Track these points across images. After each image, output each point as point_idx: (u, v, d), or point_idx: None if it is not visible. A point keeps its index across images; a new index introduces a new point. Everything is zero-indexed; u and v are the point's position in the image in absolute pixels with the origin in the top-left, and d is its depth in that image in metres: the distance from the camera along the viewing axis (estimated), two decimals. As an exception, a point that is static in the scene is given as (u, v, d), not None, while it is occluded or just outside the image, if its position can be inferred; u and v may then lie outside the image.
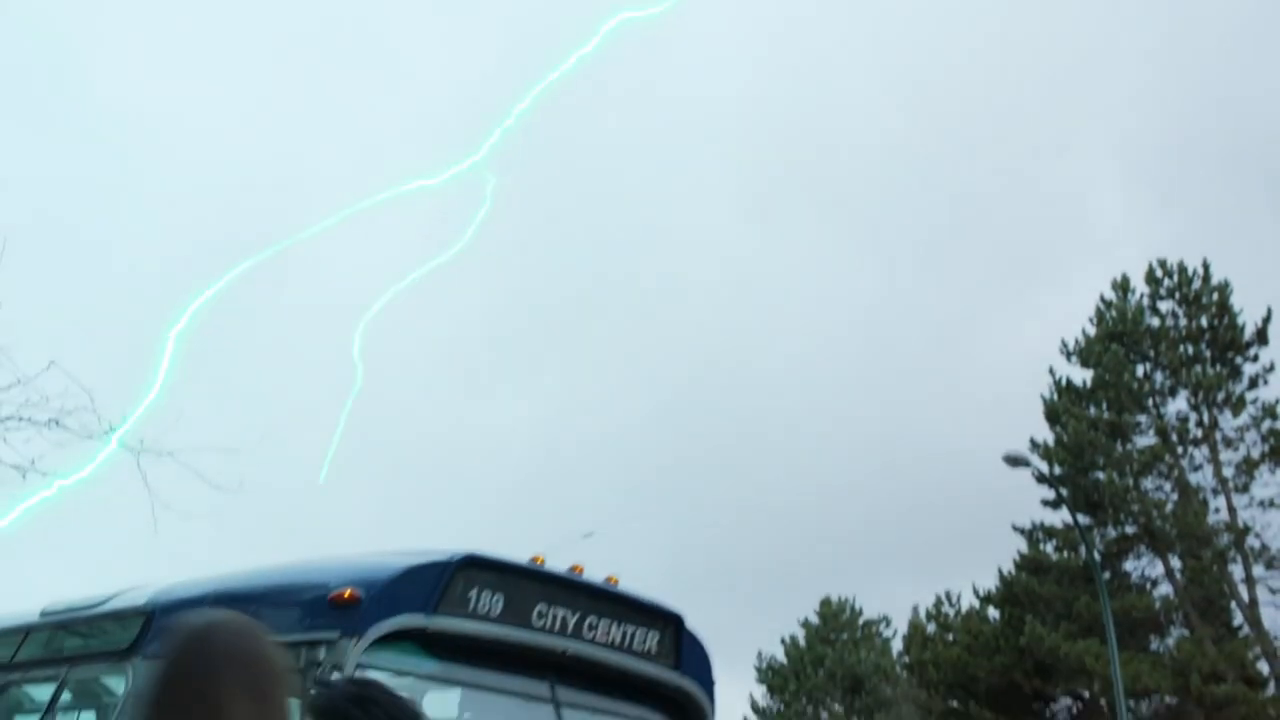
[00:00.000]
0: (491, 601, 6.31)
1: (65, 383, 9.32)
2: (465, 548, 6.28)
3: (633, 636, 6.86)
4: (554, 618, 6.54)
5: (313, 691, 5.59)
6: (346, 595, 5.96)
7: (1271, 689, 32.53)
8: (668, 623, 7.06)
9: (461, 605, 6.20)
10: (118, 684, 7.18)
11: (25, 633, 7.82)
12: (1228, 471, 34.37)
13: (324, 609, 6.01)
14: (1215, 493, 34.45)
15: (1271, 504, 33.99)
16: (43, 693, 7.82)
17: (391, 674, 5.96)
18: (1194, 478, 34.77)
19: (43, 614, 7.82)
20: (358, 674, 5.73)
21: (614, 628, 6.78)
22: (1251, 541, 33.75)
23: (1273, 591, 33.78)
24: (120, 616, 7.22)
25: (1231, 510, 34.06)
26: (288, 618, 6.18)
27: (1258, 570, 33.71)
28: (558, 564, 6.79)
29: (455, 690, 6.30)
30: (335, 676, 5.63)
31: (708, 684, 7.25)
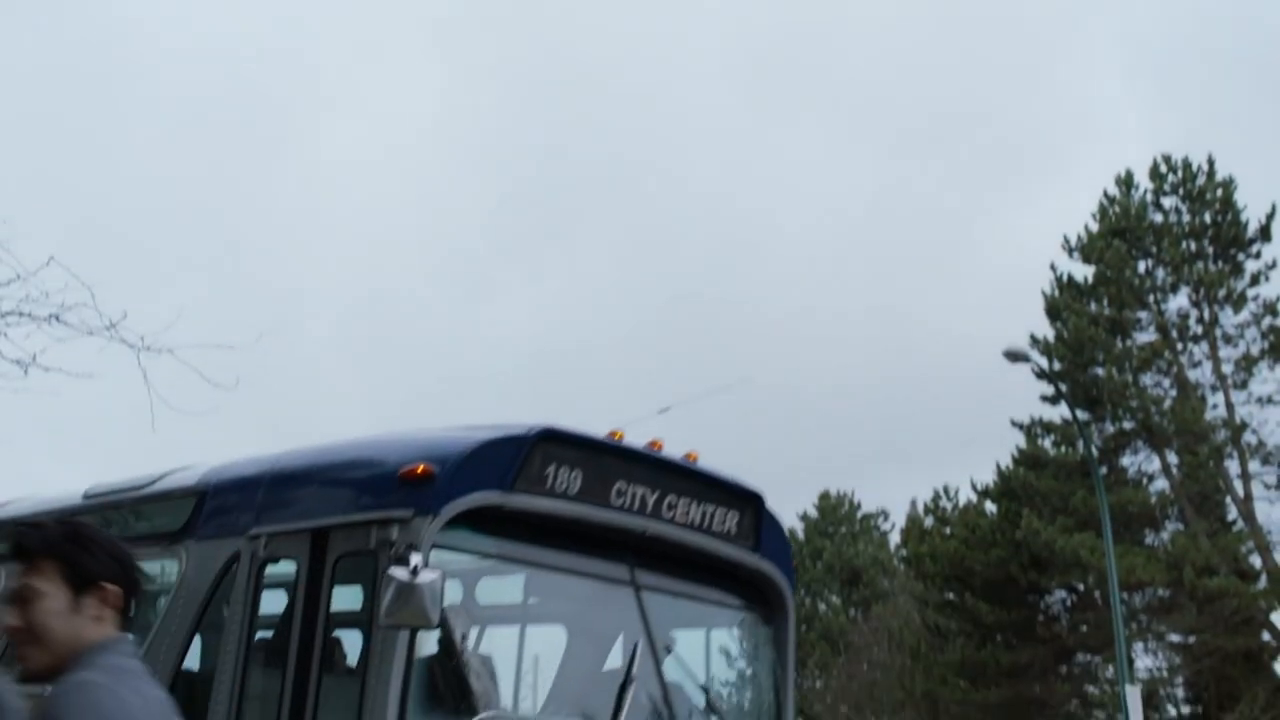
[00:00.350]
0: (569, 478, 5.92)
1: (65, 278, 9.10)
2: (541, 422, 5.86)
3: (712, 516, 6.49)
4: (633, 496, 6.16)
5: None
6: (420, 470, 5.56)
7: (1263, 582, 32.64)
8: (747, 502, 6.69)
9: (539, 482, 5.81)
10: (169, 569, 6.81)
11: (69, 516, 7.41)
12: (1227, 368, 34.14)
13: (393, 486, 5.61)
14: (1214, 389, 34.26)
15: (1269, 400, 33.82)
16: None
17: (466, 554, 5.59)
18: (1193, 374, 34.56)
19: (86, 496, 7.43)
20: (433, 555, 5.35)
21: (693, 507, 6.40)
22: (1248, 437, 33.62)
23: (1267, 487, 33.74)
24: (170, 497, 6.83)
25: (1229, 406, 33.89)
26: (353, 496, 5.80)
27: (1254, 466, 33.64)
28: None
29: (530, 572, 5.91)
30: (414, 557, 5.23)
31: (787, 567, 6.91)
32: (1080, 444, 32.90)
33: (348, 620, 5.76)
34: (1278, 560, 33.13)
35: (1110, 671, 34.26)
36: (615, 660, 5.98)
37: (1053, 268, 36.10)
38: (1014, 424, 35.91)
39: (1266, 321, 33.65)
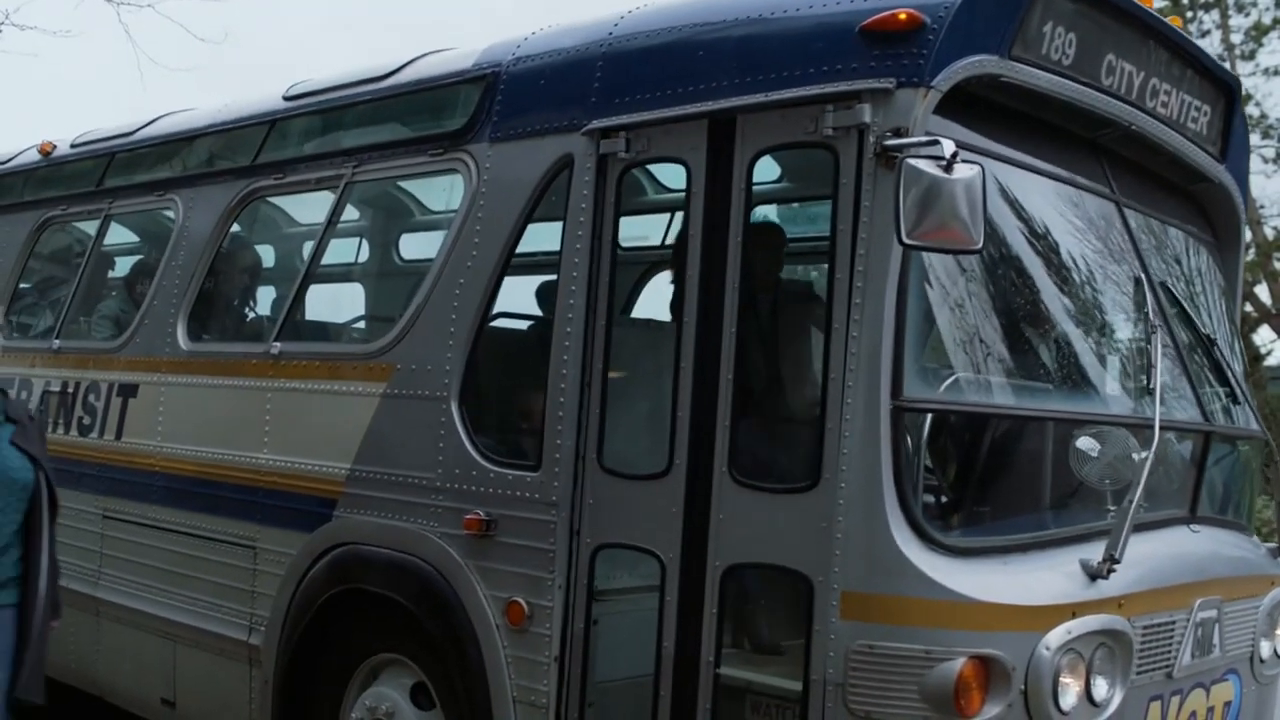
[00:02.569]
0: (1065, 44, 3.92)
1: None
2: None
3: (1187, 110, 4.54)
4: (1122, 76, 4.18)
5: None
6: (903, 19, 3.52)
7: (1251, 255, 31.71)
8: (1220, 95, 4.74)
9: (1034, 46, 3.81)
10: (443, 187, 4.79)
11: (269, 124, 5.27)
12: (1236, 38, 31.94)
13: (854, 45, 3.58)
14: (1221, 59, 32.19)
15: (1275, 72, 31.78)
16: (306, 206, 5.40)
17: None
18: (1201, 43, 32.36)
19: (289, 97, 5.25)
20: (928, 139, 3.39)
21: (1173, 97, 4.44)
22: (1251, 110, 31.80)
23: (1265, 160, 32.24)
24: (438, 86, 4.69)
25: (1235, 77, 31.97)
26: (775, 63, 3.75)
27: (1254, 139, 32.02)
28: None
29: (1008, 176, 3.92)
30: (946, 144, 3.29)
31: (1245, 183, 5.04)
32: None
33: (780, 245, 3.85)
34: (1267, 233, 32.22)
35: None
36: (1104, 294, 4.14)
37: (1068, -68, 33.18)
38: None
39: (1283, -11, 31.34)
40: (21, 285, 6.80)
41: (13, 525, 3.82)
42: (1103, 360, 4.03)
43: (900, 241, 3.26)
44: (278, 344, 4.94)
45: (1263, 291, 32.16)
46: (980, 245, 3.29)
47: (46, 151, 6.62)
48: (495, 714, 4.04)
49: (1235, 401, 4.44)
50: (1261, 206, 32.12)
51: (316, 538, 4.62)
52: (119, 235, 6.54)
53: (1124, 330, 4.06)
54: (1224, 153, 4.78)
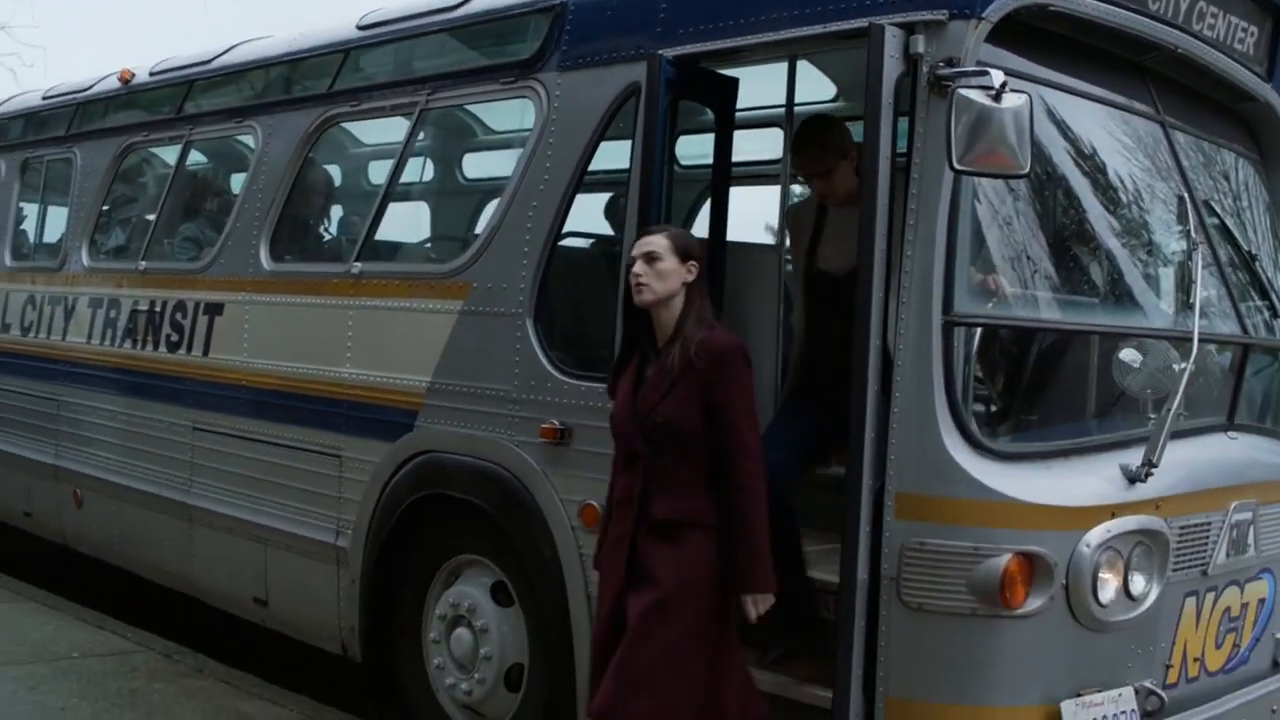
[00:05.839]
0: None
1: None
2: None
3: (1234, 32, 4.68)
4: (1169, 0, 4.32)
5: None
6: None
7: None
8: (1267, 15, 4.87)
9: None
10: (511, 112, 5.02)
11: (343, 53, 5.52)
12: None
13: None
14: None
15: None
16: (381, 131, 5.67)
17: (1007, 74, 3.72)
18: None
19: (363, 26, 5.49)
20: (978, 69, 3.59)
21: (1220, 19, 4.58)
22: None
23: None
24: (506, 17, 4.92)
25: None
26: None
27: None
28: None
29: (1059, 104, 4.10)
30: (995, 74, 3.48)
31: (1291, 101, 5.16)
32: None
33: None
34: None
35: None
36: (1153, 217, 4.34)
37: None
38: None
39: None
40: (105, 208, 7.12)
41: None
42: (1146, 276, 4.25)
43: (951, 167, 3.48)
44: (358, 264, 5.24)
45: None
46: (1027, 170, 3.49)
47: (126, 79, 6.89)
48: (571, 610, 4.35)
49: (1276, 315, 4.65)
50: None
51: (399, 447, 4.94)
52: (199, 160, 6.83)
53: (1167, 247, 4.26)
54: (1270, 72, 4.91)
